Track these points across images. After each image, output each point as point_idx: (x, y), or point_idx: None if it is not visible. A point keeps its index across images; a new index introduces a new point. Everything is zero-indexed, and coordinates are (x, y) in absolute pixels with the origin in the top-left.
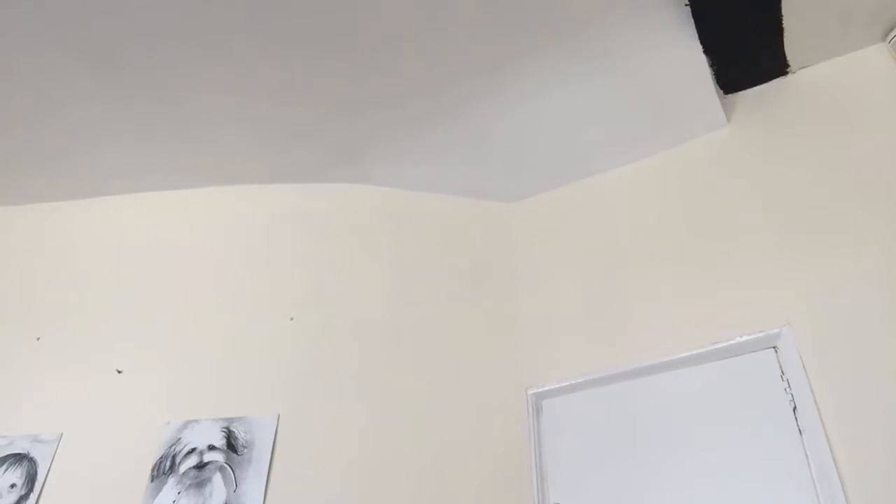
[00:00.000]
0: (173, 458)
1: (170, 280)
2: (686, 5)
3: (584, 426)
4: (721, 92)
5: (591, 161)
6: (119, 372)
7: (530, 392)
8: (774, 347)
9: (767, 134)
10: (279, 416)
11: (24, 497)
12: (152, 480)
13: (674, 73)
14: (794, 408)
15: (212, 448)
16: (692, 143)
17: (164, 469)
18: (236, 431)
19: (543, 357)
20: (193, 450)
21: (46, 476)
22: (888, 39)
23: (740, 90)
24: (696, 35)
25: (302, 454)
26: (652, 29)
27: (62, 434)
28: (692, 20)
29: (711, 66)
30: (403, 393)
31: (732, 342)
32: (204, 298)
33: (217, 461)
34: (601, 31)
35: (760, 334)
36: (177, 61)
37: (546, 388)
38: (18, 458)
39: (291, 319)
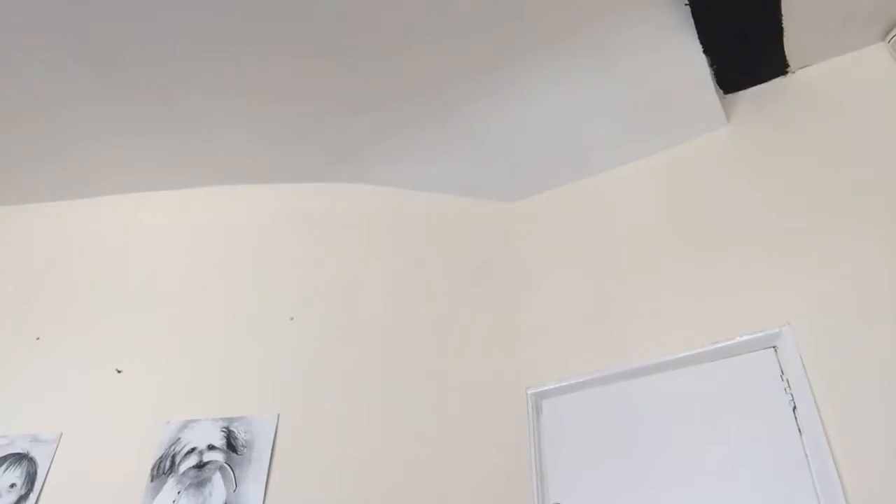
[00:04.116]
0: (173, 457)
1: (170, 280)
2: (686, 5)
3: (584, 426)
4: (721, 92)
5: (591, 161)
6: (119, 372)
7: (530, 392)
8: (774, 347)
9: (767, 134)
10: (279, 415)
11: (24, 497)
12: (152, 480)
13: (674, 72)
14: (794, 408)
15: (212, 448)
16: (692, 143)
17: (163, 469)
18: (236, 431)
19: (543, 357)
20: (193, 449)
21: (46, 476)
22: (888, 39)
23: (740, 90)
24: (696, 35)
25: (302, 454)
26: (652, 29)
27: (62, 434)
28: (692, 20)
29: (711, 66)
30: (403, 392)
31: (732, 342)
32: (204, 298)
33: (217, 461)
34: (601, 31)
35: (760, 334)
36: (177, 61)
37: (546, 388)
38: (18, 457)
39: (291, 319)
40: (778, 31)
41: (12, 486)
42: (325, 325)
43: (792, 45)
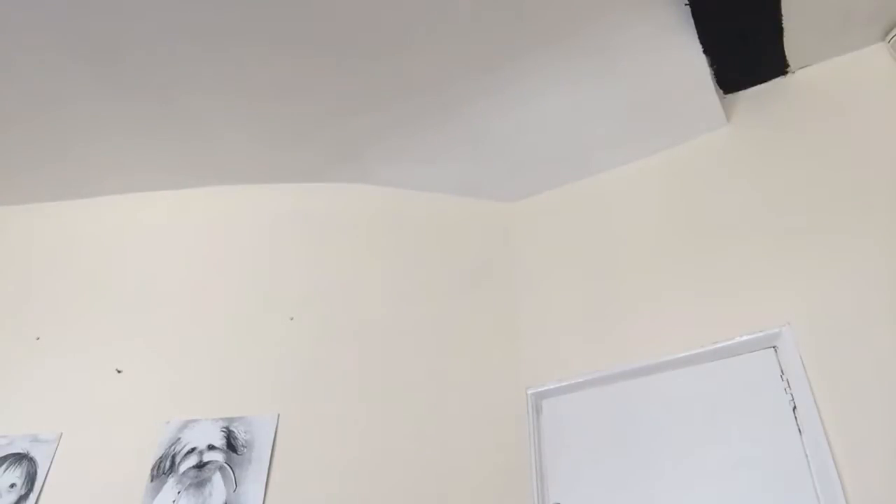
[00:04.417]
0: (173, 457)
1: (170, 280)
2: (686, 5)
3: (584, 426)
4: (721, 92)
5: (591, 161)
6: (119, 372)
7: (530, 392)
8: (774, 347)
9: (767, 134)
10: (279, 415)
11: (24, 497)
12: (152, 480)
13: (674, 73)
14: (794, 408)
15: (211, 448)
16: (692, 143)
17: (163, 469)
18: (236, 431)
19: (543, 357)
20: (193, 449)
21: (46, 476)
22: (888, 39)
23: (740, 90)
24: (696, 35)
25: (302, 454)
26: (652, 29)
27: (62, 434)
28: (692, 20)
29: (711, 66)
30: (403, 393)
31: (732, 342)
32: (204, 298)
33: (217, 461)
34: (601, 31)
35: (760, 334)
36: (177, 61)
37: (546, 388)
38: (18, 457)
39: (291, 319)
40: (778, 31)
41: (12, 486)
42: (325, 325)
43: (792, 45)
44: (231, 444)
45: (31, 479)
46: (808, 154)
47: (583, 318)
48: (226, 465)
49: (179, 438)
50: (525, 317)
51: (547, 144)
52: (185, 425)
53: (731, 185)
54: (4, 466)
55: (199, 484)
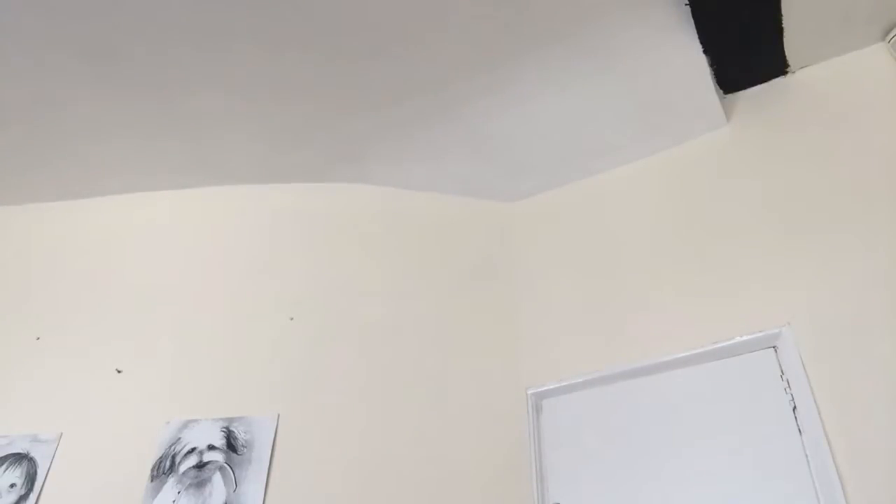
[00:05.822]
0: (173, 457)
1: (170, 280)
2: (686, 5)
3: (584, 426)
4: (721, 92)
5: (590, 161)
6: (119, 372)
7: (530, 392)
8: (774, 347)
9: (767, 134)
10: (279, 416)
11: (24, 497)
12: (152, 480)
13: (674, 73)
14: (794, 408)
15: (212, 448)
16: (692, 143)
17: (163, 469)
18: (236, 431)
19: (543, 357)
20: (193, 449)
21: (46, 476)
22: (888, 39)
23: (740, 90)
24: (696, 35)
25: (302, 454)
26: (652, 29)
27: (62, 434)
28: (692, 20)
29: (711, 66)
30: (403, 393)
31: (732, 342)
32: (204, 298)
33: (217, 461)
34: (601, 31)
35: (760, 334)
36: (177, 60)
37: (546, 388)
38: (18, 457)
39: (291, 319)
40: (778, 31)
41: (12, 486)
42: (325, 325)
43: (792, 45)
44: (231, 444)
45: (31, 479)
46: (808, 154)
47: (583, 318)
48: (226, 465)
49: (179, 438)
50: (525, 317)
51: (547, 144)
52: (185, 425)
53: (731, 185)
54: (4, 466)
55: (199, 484)
